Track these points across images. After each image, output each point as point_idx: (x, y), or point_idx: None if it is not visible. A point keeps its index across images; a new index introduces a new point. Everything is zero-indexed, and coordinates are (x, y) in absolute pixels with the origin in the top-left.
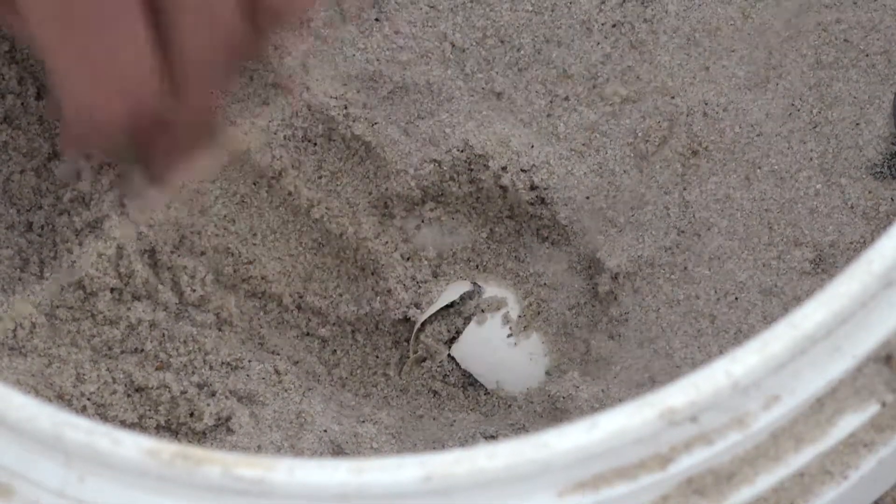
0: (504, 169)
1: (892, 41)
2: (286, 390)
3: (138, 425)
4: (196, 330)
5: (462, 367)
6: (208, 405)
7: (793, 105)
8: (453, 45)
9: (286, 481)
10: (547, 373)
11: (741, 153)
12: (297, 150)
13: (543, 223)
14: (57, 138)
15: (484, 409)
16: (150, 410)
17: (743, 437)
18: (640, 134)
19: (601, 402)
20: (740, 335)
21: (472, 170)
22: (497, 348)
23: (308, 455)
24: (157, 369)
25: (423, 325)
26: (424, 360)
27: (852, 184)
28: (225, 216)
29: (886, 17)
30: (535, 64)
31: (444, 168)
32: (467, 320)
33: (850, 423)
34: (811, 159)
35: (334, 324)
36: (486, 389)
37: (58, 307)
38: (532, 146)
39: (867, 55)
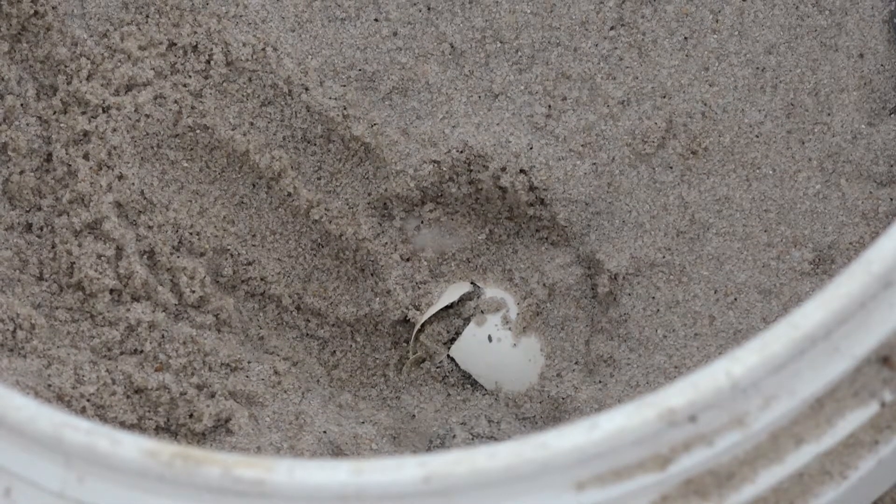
0: (503, 170)
1: (889, 43)
2: (285, 391)
3: (138, 426)
4: (195, 331)
5: (461, 367)
6: (208, 406)
7: (791, 106)
8: (452, 46)
9: (286, 482)
10: (545, 374)
11: (740, 154)
12: (297, 151)
13: (542, 224)
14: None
15: (484, 411)
16: (149, 412)
17: (742, 438)
18: (638, 135)
19: (600, 403)
20: (739, 336)
21: (471, 171)
22: (496, 349)
23: (307, 456)
24: (156, 370)
25: (422, 325)
26: (424, 360)
27: (851, 185)
28: (224, 217)
29: (877, 21)
30: (534, 65)
31: (444, 169)
32: (466, 321)
33: (849, 423)
34: (810, 160)
35: (333, 325)
36: (486, 390)
37: (57, 308)
38: (531, 147)
39: (864, 58)
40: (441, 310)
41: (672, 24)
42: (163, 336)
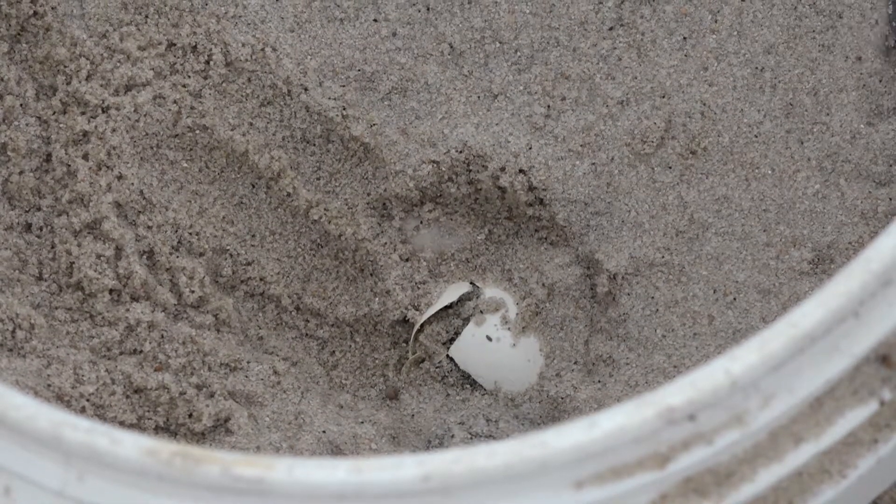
0: (502, 170)
1: (887, 45)
2: (285, 391)
3: (137, 426)
4: (195, 331)
5: (461, 367)
6: (207, 406)
7: (790, 106)
8: (451, 47)
9: (285, 481)
10: (544, 374)
11: (739, 154)
12: (296, 152)
13: (542, 224)
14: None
15: (483, 411)
16: (148, 411)
17: (741, 437)
18: (637, 135)
19: (600, 403)
20: (738, 335)
21: (470, 171)
22: (495, 349)
23: (307, 456)
24: (155, 370)
25: (421, 325)
26: (423, 360)
27: (850, 184)
28: (223, 217)
29: (875, 22)
30: (533, 65)
31: (443, 169)
32: (466, 321)
33: (848, 421)
34: (809, 160)
35: (333, 325)
36: (485, 390)
37: (56, 308)
38: (530, 147)
39: (862, 60)
40: (440, 310)
41: (671, 24)
42: (162, 336)
